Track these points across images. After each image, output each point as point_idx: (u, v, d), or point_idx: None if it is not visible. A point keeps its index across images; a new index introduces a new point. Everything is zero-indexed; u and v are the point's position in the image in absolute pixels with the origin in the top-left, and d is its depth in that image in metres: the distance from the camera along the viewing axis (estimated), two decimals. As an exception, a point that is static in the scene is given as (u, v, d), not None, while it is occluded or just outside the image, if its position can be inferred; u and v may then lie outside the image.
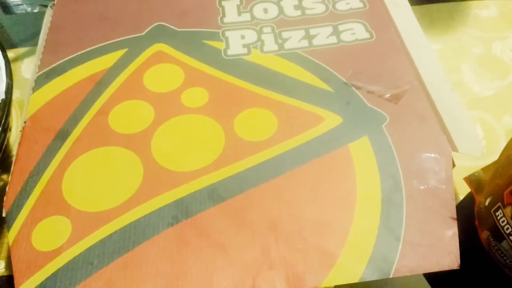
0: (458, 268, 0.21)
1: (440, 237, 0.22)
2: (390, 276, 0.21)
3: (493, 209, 0.21)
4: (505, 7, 0.40)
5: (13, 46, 0.37)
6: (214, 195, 0.23)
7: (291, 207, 0.23)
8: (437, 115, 0.26)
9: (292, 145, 0.25)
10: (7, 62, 0.30)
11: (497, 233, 0.21)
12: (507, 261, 0.21)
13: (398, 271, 0.21)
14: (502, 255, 0.21)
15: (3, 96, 0.28)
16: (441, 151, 0.25)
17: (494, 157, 0.31)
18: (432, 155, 0.25)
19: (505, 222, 0.20)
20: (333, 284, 0.20)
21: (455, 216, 0.22)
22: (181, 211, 0.22)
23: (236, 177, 0.24)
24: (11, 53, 0.36)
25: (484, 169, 0.24)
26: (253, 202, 0.23)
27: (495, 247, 0.21)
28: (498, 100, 0.34)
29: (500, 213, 0.21)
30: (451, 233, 0.22)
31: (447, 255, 0.21)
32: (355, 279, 0.21)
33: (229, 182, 0.24)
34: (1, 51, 0.30)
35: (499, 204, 0.21)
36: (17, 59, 0.36)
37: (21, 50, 0.37)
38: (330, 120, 0.26)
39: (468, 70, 0.36)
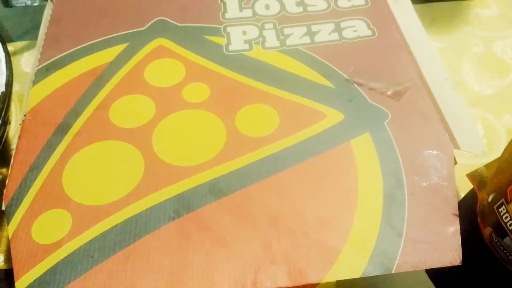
0: (460, 264, 0.21)
1: (442, 233, 0.22)
2: (392, 272, 0.21)
3: (496, 206, 0.21)
4: (506, 6, 0.40)
5: (13, 39, 0.37)
6: (215, 189, 0.23)
7: (293, 203, 0.23)
8: (438, 112, 0.26)
9: (294, 141, 0.25)
10: (7, 55, 0.30)
11: (500, 230, 0.21)
12: (510, 257, 0.21)
13: (400, 267, 0.21)
14: (504, 251, 0.21)
15: (3, 89, 0.28)
16: (442, 148, 0.25)
17: (495, 155, 0.31)
18: (434, 152, 0.24)
19: (508, 218, 0.20)
20: (335, 280, 0.20)
21: (457, 212, 0.22)
22: (182, 205, 0.22)
23: (238, 172, 0.24)
24: (10, 47, 0.36)
25: (487, 166, 0.24)
26: (255, 198, 0.23)
27: (498, 244, 0.21)
28: (499, 99, 0.34)
29: (503, 209, 0.21)
30: (453, 229, 0.22)
31: (449, 252, 0.21)
32: (357, 275, 0.20)
33: (231, 177, 0.23)
34: (1, 43, 0.30)
35: (502, 200, 0.21)
36: (16, 52, 0.36)
37: (20, 43, 0.37)
38: (332, 116, 0.26)
39: (469, 69, 0.36)
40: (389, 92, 0.27)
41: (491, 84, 0.35)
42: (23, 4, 0.39)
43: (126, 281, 0.20)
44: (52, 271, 0.20)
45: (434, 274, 0.23)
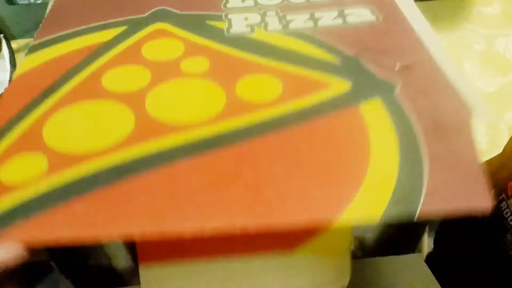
0: (491, 210, 0.19)
1: (468, 177, 0.19)
2: (416, 217, 0.19)
3: (497, 201, 0.21)
4: (508, 4, 0.40)
5: (16, 37, 0.37)
6: (212, 144, 0.22)
7: (301, 156, 0.21)
8: (448, 83, 0.26)
9: (298, 106, 0.24)
10: (11, 52, 0.30)
11: (501, 225, 0.21)
12: (511, 253, 0.21)
13: (423, 212, 0.19)
14: (506, 247, 0.21)
15: (7, 86, 0.28)
16: (458, 114, 0.24)
17: (497, 153, 0.31)
18: (450, 117, 0.23)
19: (509, 213, 0.20)
20: (351, 223, 0.19)
21: (481, 167, 0.20)
22: (171, 156, 0.22)
23: (237, 129, 0.23)
24: (14, 44, 0.36)
25: (488, 161, 0.24)
26: (261, 152, 0.22)
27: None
28: (501, 97, 0.34)
29: (504, 205, 0.21)
30: (480, 175, 0.19)
31: (477, 195, 0.19)
32: (375, 218, 0.19)
33: (228, 135, 0.23)
34: (5, 41, 0.30)
35: (503, 195, 0.21)
36: (20, 50, 0.36)
37: (24, 41, 0.37)
38: (338, 85, 0.25)
39: (471, 66, 0.36)
40: (396, 68, 0.27)
41: (492, 81, 0.35)
42: (27, 2, 0.39)
43: (107, 216, 0.19)
44: (22, 206, 0.19)
45: (438, 271, 0.23)
